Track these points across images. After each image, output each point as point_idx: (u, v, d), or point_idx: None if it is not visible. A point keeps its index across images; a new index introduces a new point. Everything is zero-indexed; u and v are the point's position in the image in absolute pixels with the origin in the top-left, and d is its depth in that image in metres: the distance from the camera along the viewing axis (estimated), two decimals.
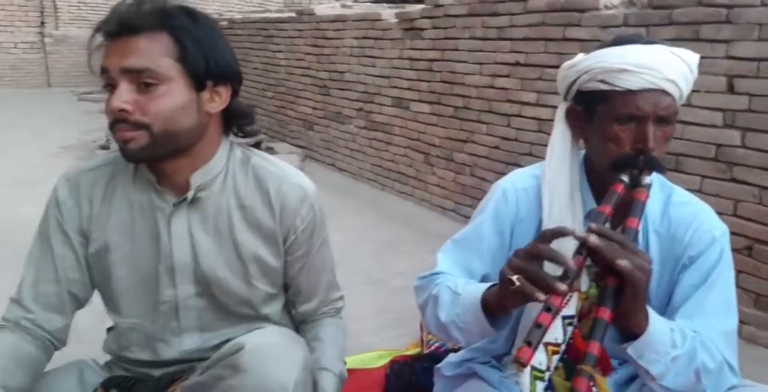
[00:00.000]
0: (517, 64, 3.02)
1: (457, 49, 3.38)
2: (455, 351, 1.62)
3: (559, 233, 0.93)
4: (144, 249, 1.15)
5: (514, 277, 0.96)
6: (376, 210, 3.67)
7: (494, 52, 3.15)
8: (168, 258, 1.14)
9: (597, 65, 1.07)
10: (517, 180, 1.35)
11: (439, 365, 1.52)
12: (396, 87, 3.90)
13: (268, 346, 0.96)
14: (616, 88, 1.05)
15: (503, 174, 3.24)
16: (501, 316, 1.15)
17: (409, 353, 1.91)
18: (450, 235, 1.35)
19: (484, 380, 1.38)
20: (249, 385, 0.91)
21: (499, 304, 1.10)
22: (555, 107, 3.09)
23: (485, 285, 1.17)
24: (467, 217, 3.32)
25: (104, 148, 5.28)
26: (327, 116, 4.75)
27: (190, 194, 1.12)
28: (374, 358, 1.88)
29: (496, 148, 3.20)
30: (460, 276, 1.27)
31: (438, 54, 3.52)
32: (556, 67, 3.18)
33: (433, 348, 1.84)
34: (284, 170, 1.21)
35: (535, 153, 2.93)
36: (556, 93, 2.83)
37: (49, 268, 1.13)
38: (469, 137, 3.37)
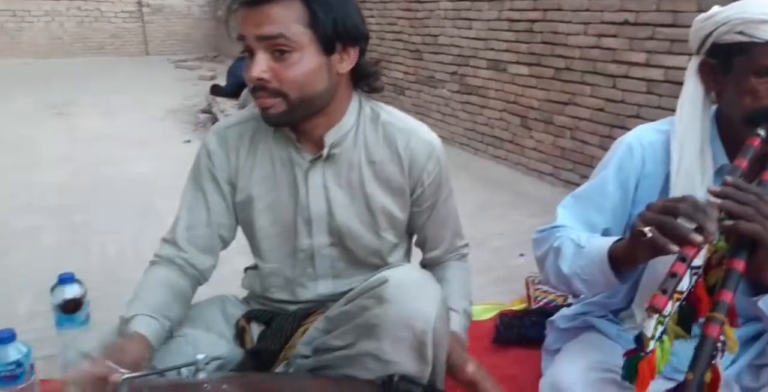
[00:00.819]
0: (625, 23, 2.90)
1: (560, 9, 3.27)
2: (565, 307, 1.64)
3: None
4: (284, 201, 1.23)
5: (646, 229, 0.97)
6: (469, 175, 3.67)
7: (601, 11, 3.03)
8: (305, 210, 1.22)
9: (737, 16, 1.03)
10: (642, 134, 1.33)
11: (552, 318, 1.54)
12: (493, 49, 3.84)
13: (410, 280, 1.02)
14: (756, 40, 1.01)
15: (607, 137, 3.17)
16: (627, 270, 1.16)
17: (515, 308, 1.94)
18: (548, 200, 1.37)
19: (601, 332, 1.40)
20: (393, 315, 0.97)
21: (627, 257, 1.10)
22: (667, 68, 2.97)
23: (612, 239, 1.18)
24: (566, 182, 3.29)
25: (205, 112, 5.53)
26: (419, 81, 4.75)
27: (324, 151, 1.19)
28: (481, 311, 1.93)
29: (600, 110, 3.11)
30: (581, 231, 1.28)
31: (539, 14, 3.42)
32: (670, 25, 3.05)
33: (541, 303, 1.87)
34: (412, 125, 1.25)
35: (643, 115, 2.82)
36: (668, 53, 2.75)
37: (202, 213, 1.23)
38: (571, 99, 3.28)
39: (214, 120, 4.96)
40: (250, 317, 1.29)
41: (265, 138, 1.23)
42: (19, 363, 1.21)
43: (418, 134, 1.24)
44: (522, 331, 1.73)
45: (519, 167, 3.72)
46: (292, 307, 1.29)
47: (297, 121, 1.16)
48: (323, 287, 1.28)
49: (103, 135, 4.67)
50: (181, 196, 1.26)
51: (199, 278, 1.25)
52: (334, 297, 1.24)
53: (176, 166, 3.80)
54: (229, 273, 1.48)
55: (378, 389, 0.98)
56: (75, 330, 1.47)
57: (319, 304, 1.27)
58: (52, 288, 1.48)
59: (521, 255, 2.49)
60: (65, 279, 1.48)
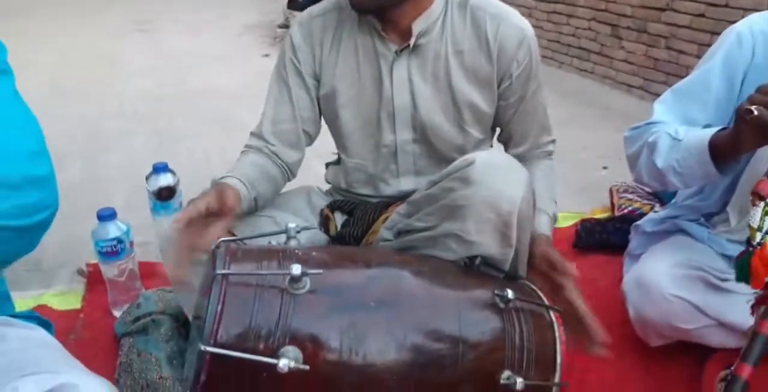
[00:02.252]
0: None
1: None
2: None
3: None
4: (368, 94, 1.21)
5: (753, 107, 0.92)
6: (552, 89, 3.49)
7: None
8: (389, 103, 1.20)
9: None
10: (754, 23, 1.22)
11: (638, 222, 1.50)
12: None
13: (497, 162, 0.99)
14: None
15: (707, 46, 2.92)
16: (728, 161, 1.10)
17: (596, 216, 1.90)
18: (635, 114, 1.30)
19: (690, 236, 1.35)
20: (479, 196, 0.96)
21: (731, 145, 1.05)
22: None
23: (713, 129, 1.11)
24: (656, 95, 3.05)
25: (282, 26, 5.49)
26: None
27: (412, 41, 1.15)
28: (561, 219, 1.89)
29: (701, 16, 2.85)
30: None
31: None
32: None
33: (625, 211, 1.81)
34: (503, 10, 1.18)
35: None
36: None
37: (286, 108, 1.23)
38: (669, 4, 3.02)
39: None
40: (333, 207, 1.31)
41: (349, 30, 1.20)
42: (119, 240, 1.30)
43: (509, 19, 1.17)
44: (604, 237, 1.70)
45: (606, 80, 3.52)
46: (374, 199, 1.31)
47: (385, 7, 1.12)
48: (405, 183, 1.28)
49: (184, 50, 4.75)
50: (267, 90, 1.26)
51: (286, 171, 1.26)
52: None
53: (256, 78, 3.87)
54: (312, 177, 1.50)
55: (460, 271, 0.98)
56: (169, 217, 1.56)
57: (401, 198, 1.28)
58: (148, 177, 1.56)
59: (605, 168, 2.41)
60: (159, 168, 1.55)
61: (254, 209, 1.16)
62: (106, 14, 6.26)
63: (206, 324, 0.77)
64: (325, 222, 1.29)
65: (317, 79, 1.23)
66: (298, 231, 0.93)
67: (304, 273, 0.79)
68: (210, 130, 2.84)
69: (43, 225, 0.85)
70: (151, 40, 5.12)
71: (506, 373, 0.86)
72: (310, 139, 1.29)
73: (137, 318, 1.20)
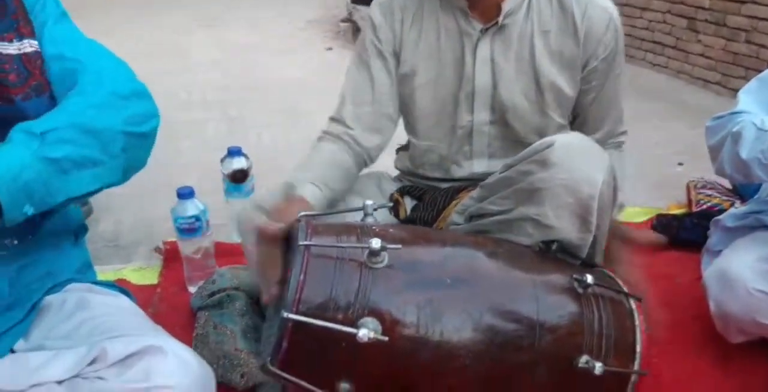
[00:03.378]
0: None
1: None
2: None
3: None
4: (447, 73, 1.19)
5: None
6: (624, 83, 3.42)
7: None
8: (469, 83, 1.18)
9: None
10: None
11: (718, 218, 1.44)
12: None
13: (577, 144, 0.97)
14: None
15: None
16: None
17: (672, 212, 1.83)
18: (712, 110, 1.24)
19: None
20: (558, 178, 0.93)
21: None
22: None
23: None
24: (734, 91, 2.94)
25: (345, 21, 5.54)
26: None
27: (500, 19, 1.13)
28: (635, 214, 1.86)
29: None
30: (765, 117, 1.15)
31: None
32: None
33: (704, 207, 1.75)
34: None
35: None
36: None
37: (367, 91, 1.21)
38: None
39: (355, 28, 4.97)
40: (403, 192, 1.31)
41: (430, 8, 1.19)
42: (197, 218, 1.34)
43: (595, 1, 1.14)
44: (680, 232, 1.63)
45: (681, 75, 3.39)
46: (444, 184, 1.30)
47: None
48: (478, 166, 1.26)
49: (250, 44, 4.86)
50: (345, 73, 1.25)
51: (365, 157, 1.23)
52: (486, 177, 1.22)
53: (320, 71, 3.95)
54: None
55: (535, 255, 0.97)
56: (241, 200, 1.60)
57: (471, 183, 1.27)
58: (222, 160, 1.60)
59: (680, 164, 2.32)
60: (234, 151, 1.60)
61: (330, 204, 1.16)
62: (173, 11, 6.46)
63: (289, 293, 0.78)
64: (395, 207, 1.28)
65: (397, 59, 1.22)
66: (375, 209, 0.94)
67: (383, 248, 0.80)
68: (276, 120, 2.89)
69: (153, 134, 0.92)
70: (218, 35, 5.26)
71: (584, 358, 0.85)
72: (393, 122, 1.26)
73: (212, 294, 1.24)
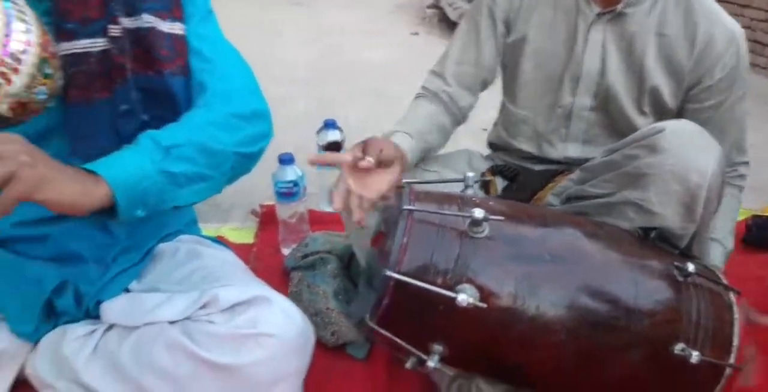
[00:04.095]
0: None
1: None
2: None
3: None
4: (557, 49, 1.19)
5: None
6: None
7: None
8: (577, 65, 1.18)
9: None
10: None
11: None
12: None
13: (689, 131, 0.95)
14: None
15: None
16: None
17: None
18: None
19: None
20: (666, 165, 0.92)
21: None
22: None
23: None
24: None
25: (431, 7, 5.53)
26: None
27: (620, 6, 1.11)
28: None
29: None
30: None
31: None
32: None
33: None
34: (716, 7, 1.12)
35: None
36: None
37: (472, 51, 1.24)
38: None
39: (441, 14, 4.95)
40: (495, 171, 1.32)
41: None
42: (295, 183, 1.40)
43: (722, 19, 1.11)
44: None
45: None
46: (536, 166, 1.30)
47: None
48: (572, 150, 1.25)
49: (337, 24, 4.93)
50: (456, 30, 1.29)
51: (459, 116, 1.28)
52: (578, 162, 1.22)
53: (405, 54, 3.97)
54: None
55: (635, 239, 0.96)
56: (334, 171, 1.65)
57: (566, 167, 1.26)
58: (318, 131, 1.66)
59: None
60: (330, 124, 1.65)
61: (421, 159, 1.19)
62: None
63: (392, 253, 0.82)
64: (485, 185, 1.30)
65: (508, 26, 1.23)
66: (476, 182, 0.96)
67: (485, 218, 0.82)
68: (363, 100, 2.94)
69: (261, 153, 0.96)
70: (307, 14, 5.36)
71: (681, 345, 0.84)
72: (485, 86, 1.29)
73: (306, 256, 1.30)
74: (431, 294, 0.79)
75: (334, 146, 1.63)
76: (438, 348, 0.83)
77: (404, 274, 0.80)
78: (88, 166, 0.77)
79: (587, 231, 0.93)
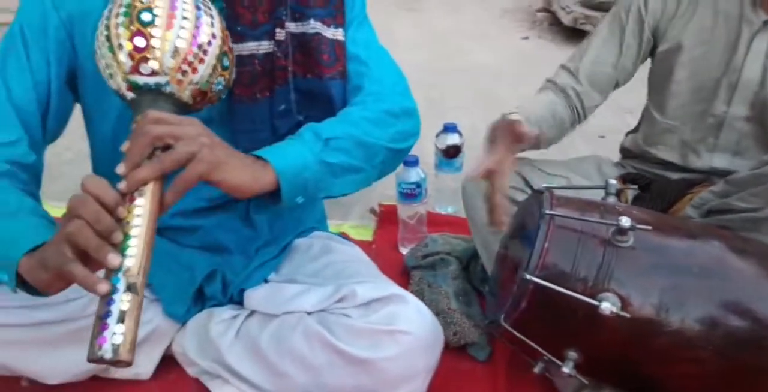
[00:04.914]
0: None
1: None
2: None
3: None
4: (714, 57, 1.14)
5: None
6: None
7: None
8: (735, 73, 1.12)
9: None
10: None
11: None
12: None
13: None
14: None
15: None
16: None
17: None
18: None
19: None
20: None
21: None
22: None
23: None
24: None
25: (542, 11, 5.43)
26: None
27: None
28: None
29: None
30: None
31: None
32: None
33: None
34: None
35: None
36: None
37: (612, 52, 1.22)
38: None
39: (553, 18, 4.85)
40: (627, 179, 1.28)
41: None
42: (419, 184, 1.43)
43: None
44: None
45: None
46: (672, 174, 1.25)
47: None
48: (719, 161, 1.19)
49: (447, 28, 4.96)
50: (597, 27, 1.26)
51: (580, 115, 1.25)
52: (722, 173, 1.16)
53: (515, 59, 3.93)
54: None
55: None
56: (451, 174, 1.67)
57: (706, 177, 1.20)
58: (437, 135, 1.68)
59: None
60: (450, 127, 1.67)
61: (536, 147, 1.18)
62: None
63: (531, 257, 0.82)
64: (616, 193, 1.26)
65: (656, 34, 1.20)
66: (619, 189, 0.94)
67: (632, 227, 0.80)
68: (474, 104, 2.94)
69: (408, 150, 1.00)
70: (418, 18, 5.42)
71: None
72: (617, 87, 1.26)
73: (425, 256, 1.32)
74: (571, 300, 0.79)
75: (454, 150, 1.64)
76: (573, 354, 0.83)
77: (543, 278, 0.80)
78: (257, 152, 0.82)
79: (734, 245, 0.88)
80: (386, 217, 1.59)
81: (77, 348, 0.98)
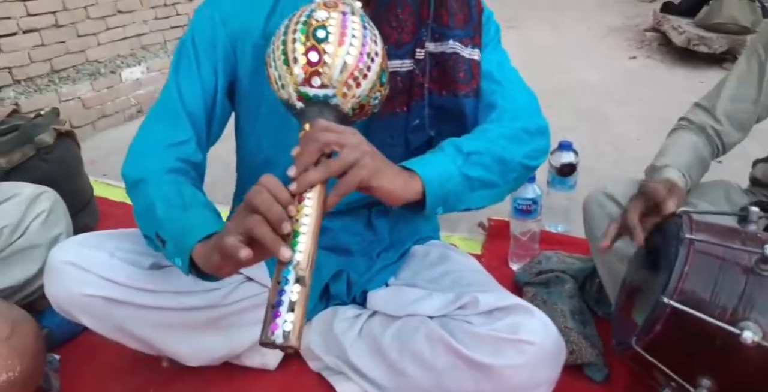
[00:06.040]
0: None
1: None
2: None
3: None
4: None
5: None
6: None
7: None
8: None
9: None
10: None
11: None
12: None
13: None
14: None
15: None
16: None
17: None
18: None
19: None
20: None
21: None
22: None
23: None
24: None
25: (650, 30, 5.26)
26: None
27: None
28: None
29: None
30: None
31: None
32: None
33: None
34: None
35: None
36: None
37: (752, 89, 1.19)
38: None
39: (663, 38, 4.70)
40: (759, 206, 1.24)
41: None
42: (534, 201, 1.44)
43: None
44: None
45: None
46: None
47: None
48: None
49: (551, 46, 4.92)
50: (735, 64, 1.23)
51: (720, 151, 1.21)
52: None
53: (622, 79, 3.83)
54: None
55: None
56: (564, 192, 1.66)
57: None
58: (552, 152, 1.68)
59: None
60: (565, 146, 1.67)
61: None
62: None
63: (670, 281, 0.82)
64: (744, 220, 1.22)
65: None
66: (761, 217, 0.92)
67: None
68: (581, 124, 2.89)
69: (537, 167, 1.02)
70: (520, 35, 5.40)
71: None
72: (759, 122, 1.22)
73: (539, 272, 1.33)
74: (710, 327, 0.78)
75: (568, 168, 1.64)
76: (707, 382, 0.81)
77: (681, 303, 0.80)
78: (405, 163, 0.86)
79: None
80: (496, 232, 1.61)
81: (218, 334, 1.07)
